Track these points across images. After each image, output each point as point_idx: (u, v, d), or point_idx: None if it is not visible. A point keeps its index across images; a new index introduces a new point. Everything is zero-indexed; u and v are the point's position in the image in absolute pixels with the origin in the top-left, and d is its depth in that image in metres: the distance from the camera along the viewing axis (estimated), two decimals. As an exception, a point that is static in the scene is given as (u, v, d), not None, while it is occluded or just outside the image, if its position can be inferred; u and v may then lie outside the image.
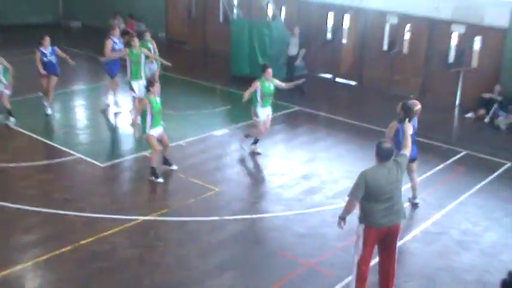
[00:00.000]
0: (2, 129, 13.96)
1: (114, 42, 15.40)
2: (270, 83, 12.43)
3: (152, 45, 15.74)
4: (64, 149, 12.94)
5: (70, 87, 17.68)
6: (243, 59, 18.90)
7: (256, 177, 12.11)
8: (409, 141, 7.91)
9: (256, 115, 12.58)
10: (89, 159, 12.39)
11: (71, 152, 12.74)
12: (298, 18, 20.38)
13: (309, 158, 12.84)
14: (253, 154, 12.98)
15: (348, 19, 19.92)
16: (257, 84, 12.33)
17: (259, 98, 12.39)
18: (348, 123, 15.33)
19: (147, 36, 15.81)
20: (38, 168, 12.01)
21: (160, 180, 11.45)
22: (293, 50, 17.99)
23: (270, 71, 12.40)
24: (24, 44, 22.60)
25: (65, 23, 28.34)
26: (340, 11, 19.81)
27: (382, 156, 7.22)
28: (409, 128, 8.53)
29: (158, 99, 11.41)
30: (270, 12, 19.57)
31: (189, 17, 24.37)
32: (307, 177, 12.13)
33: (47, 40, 14.69)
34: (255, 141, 13.01)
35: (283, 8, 20.98)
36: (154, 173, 11.46)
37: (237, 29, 19.41)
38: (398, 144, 8.85)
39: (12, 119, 14.14)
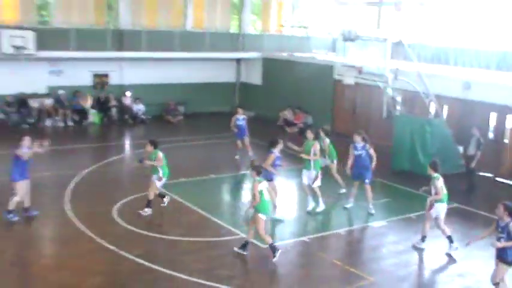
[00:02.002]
0: (178, 206, 14.68)
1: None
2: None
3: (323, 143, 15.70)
4: (231, 228, 13.31)
5: (239, 172, 18.40)
6: (404, 155, 18.62)
7: (410, 271, 11.66)
8: None
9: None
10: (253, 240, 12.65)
11: (237, 231, 13.08)
12: (460, 117, 19.86)
13: (465, 255, 12.18)
14: (415, 248, 12.63)
15: (511, 119, 19.07)
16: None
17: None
18: (508, 224, 14.36)
19: (321, 133, 15.65)
20: (207, 244, 12.46)
21: (244, 253, 11.74)
22: (471, 150, 17.13)
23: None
24: (205, 130, 24.04)
25: (239, 112, 29.83)
26: (503, 112, 19.02)
27: None
28: None
29: (264, 189, 11.60)
30: (432, 110, 19.25)
31: (354, 112, 24.64)
32: (462, 275, 11.52)
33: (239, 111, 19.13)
34: (422, 238, 12.63)
35: (446, 107, 20.56)
36: (244, 246, 11.83)
37: (399, 125, 19.28)
38: None
39: (148, 210, 13.88)
